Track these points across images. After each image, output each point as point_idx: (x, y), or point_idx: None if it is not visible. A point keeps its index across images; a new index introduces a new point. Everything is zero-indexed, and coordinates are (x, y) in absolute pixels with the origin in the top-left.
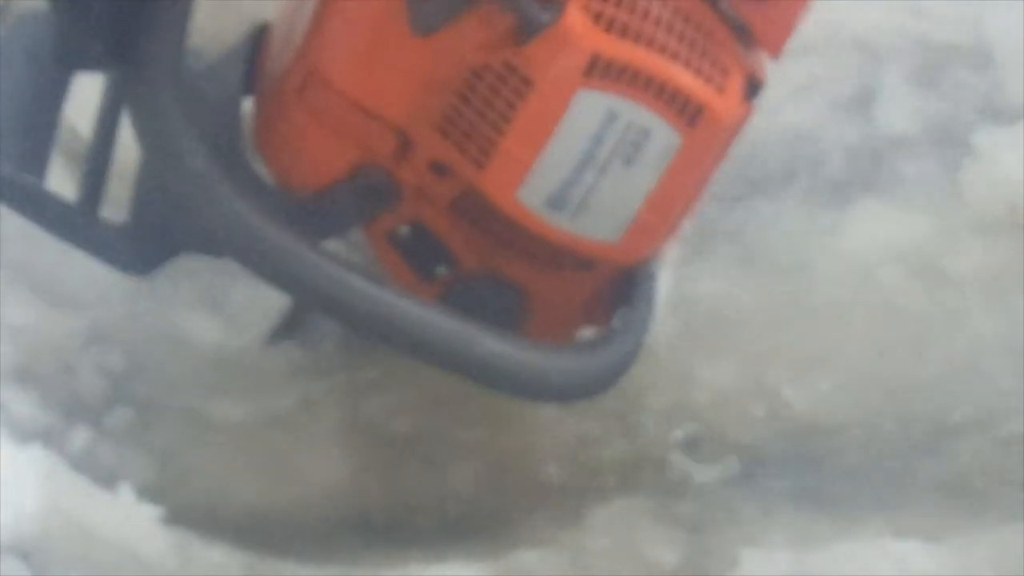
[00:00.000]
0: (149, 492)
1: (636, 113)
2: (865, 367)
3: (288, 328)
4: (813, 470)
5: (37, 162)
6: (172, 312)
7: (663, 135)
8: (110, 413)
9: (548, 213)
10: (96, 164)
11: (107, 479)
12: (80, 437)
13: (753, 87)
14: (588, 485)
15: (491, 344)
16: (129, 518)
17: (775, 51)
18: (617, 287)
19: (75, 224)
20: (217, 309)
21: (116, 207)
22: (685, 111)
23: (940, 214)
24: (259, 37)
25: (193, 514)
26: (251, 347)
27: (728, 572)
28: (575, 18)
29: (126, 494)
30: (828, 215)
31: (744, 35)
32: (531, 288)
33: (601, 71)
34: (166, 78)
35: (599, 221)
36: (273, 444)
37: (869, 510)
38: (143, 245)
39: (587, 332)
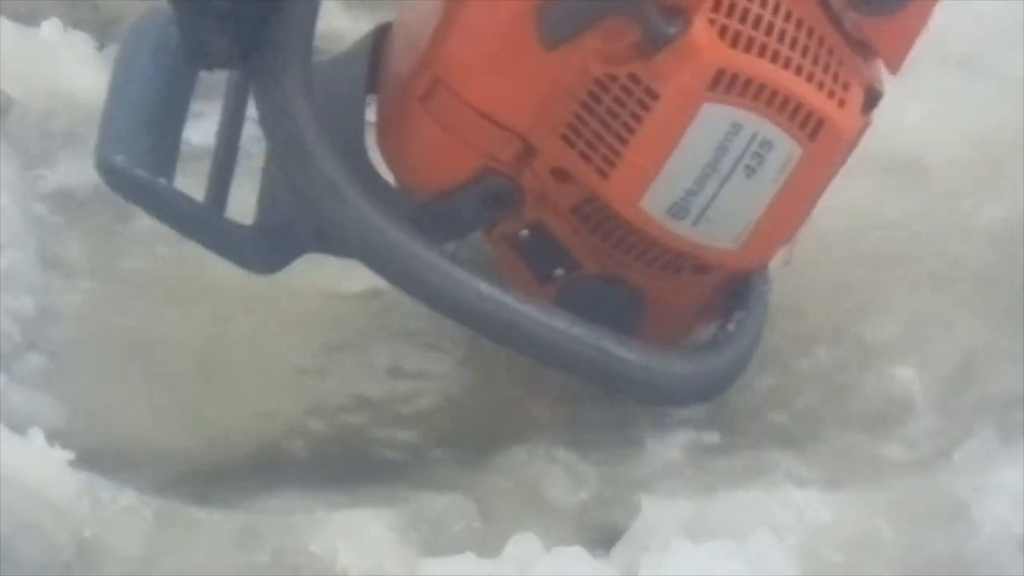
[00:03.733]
0: (60, 436)
1: (759, 126)
2: (772, 317)
3: None
4: (718, 421)
5: (167, 163)
6: None
7: (785, 147)
8: (22, 358)
9: (670, 221)
10: (222, 164)
11: (18, 424)
12: None
13: (872, 99)
14: (492, 430)
15: (615, 350)
16: (40, 462)
17: (895, 67)
18: (731, 288)
19: (204, 225)
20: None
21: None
22: (807, 125)
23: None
24: (380, 36)
25: (104, 458)
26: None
27: (628, 519)
28: (701, 32)
29: (37, 438)
30: None
31: (864, 48)
32: (648, 291)
33: (726, 85)
34: (296, 79)
35: (720, 229)
36: (185, 389)
37: (773, 460)
38: (270, 245)
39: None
